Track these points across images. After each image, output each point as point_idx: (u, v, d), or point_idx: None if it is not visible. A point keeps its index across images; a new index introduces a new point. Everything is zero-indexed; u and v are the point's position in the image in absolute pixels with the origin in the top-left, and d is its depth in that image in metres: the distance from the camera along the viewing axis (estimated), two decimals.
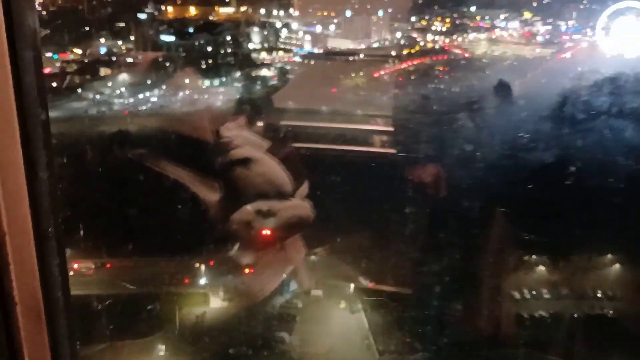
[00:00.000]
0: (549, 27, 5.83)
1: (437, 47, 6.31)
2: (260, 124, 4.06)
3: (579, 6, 7.78)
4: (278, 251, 3.90)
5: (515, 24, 5.92)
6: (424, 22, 6.67)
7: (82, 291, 4.35)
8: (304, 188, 3.83)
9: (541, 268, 5.28)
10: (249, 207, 3.68)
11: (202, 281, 4.38)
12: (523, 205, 4.14)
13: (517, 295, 5.06)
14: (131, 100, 5.46)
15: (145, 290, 4.02)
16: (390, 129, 5.14)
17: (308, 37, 7.36)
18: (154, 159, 3.53)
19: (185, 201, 3.56)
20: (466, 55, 6.02)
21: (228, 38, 6.18)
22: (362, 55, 6.74)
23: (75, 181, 3.77)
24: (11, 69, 1.06)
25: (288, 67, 6.75)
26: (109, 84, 5.82)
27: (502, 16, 5.95)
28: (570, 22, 6.46)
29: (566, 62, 5.62)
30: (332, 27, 8.17)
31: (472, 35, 6.22)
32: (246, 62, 6.22)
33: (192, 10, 8.54)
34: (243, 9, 8.09)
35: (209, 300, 4.32)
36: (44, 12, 7.65)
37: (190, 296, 4.48)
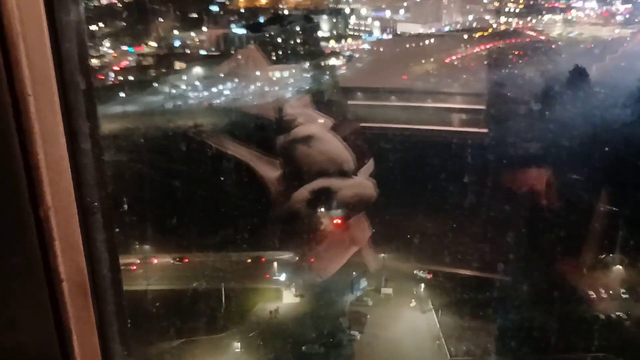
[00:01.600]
0: (628, 5, 5.50)
1: (510, 29, 6.09)
2: (326, 102, 4.07)
3: None
4: (342, 231, 3.90)
5: (592, 3, 5.62)
6: (497, 4, 6.45)
7: (159, 286, 4.53)
8: (369, 166, 3.80)
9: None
10: (309, 185, 3.69)
11: (275, 276, 4.48)
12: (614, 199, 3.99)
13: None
14: (205, 93, 5.62)
15: (220, 286, 4.15)
16: (464, 117, 5.08)
17: (377, 23, 7.30)
18: (216, 138, 3.63)
19: (248, 182, 3.63)
20: (541, 37, 5.79)
21: (297, 28, 6.23)
22: (432, 40, 6.62)
23: (150, 176, 3.93)
24: (50, 35, 1.03)
25: (357, 55, 6.75)
26: (184, 77, 6.01)
27: None
28: None
29: None
30: (401, 11, 8.02)
31: (547, 17, 5.95)
32: (315, 51, 6.27)
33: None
34: None
35: (282, 295, 4.41)
36: (119, 4, 7.92)
37: (263, 292, 4.57)
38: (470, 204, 4.48)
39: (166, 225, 3.97)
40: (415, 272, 4.57)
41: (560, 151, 4.00)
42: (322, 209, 3.88)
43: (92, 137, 1.09)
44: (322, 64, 7.05)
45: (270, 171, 3.48)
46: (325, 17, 7.85)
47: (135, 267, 5.28)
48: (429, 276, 5.02)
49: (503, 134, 4.48)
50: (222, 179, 3.71)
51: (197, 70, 6.95)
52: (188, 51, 7.92)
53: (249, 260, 4.99)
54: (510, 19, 6.50)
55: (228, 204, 3.87)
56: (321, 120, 3.69)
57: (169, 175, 4.01)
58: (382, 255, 4.63)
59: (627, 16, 5.95)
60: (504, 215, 4.16)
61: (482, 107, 4.91)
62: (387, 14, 8.32)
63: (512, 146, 4.40)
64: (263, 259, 5.63)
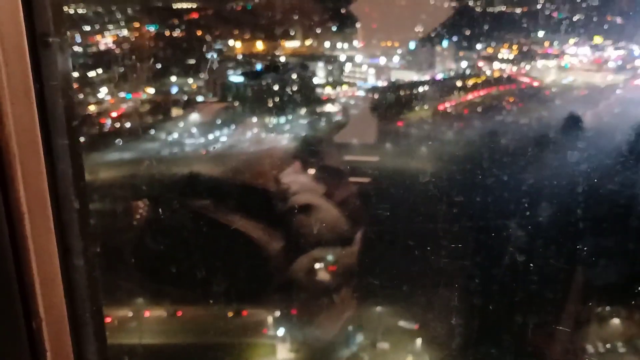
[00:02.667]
0: (621, 52, 5.58)
1: (504, 76, 6.17)
2: (318, 165, 4.11)
3: None
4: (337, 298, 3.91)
5: (585, 50, 5.70)
6: (490, 50, 6.54)
7: (152, 340, 4.45)
8: (359, 229, 3.81)
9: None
10: (309, 255, 3.71)
11: (269, 331, 4.40)
12: (600, 248, 3.98)
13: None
14: (201, 140, 5.64)
15: (216, 340, 4.07)
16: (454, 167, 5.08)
17: (372, 70, 7.39)
18: (220, 211, 3.62)
19: (250, 251, 3.64)
20: (535, 84, 5.85)
21: (294, 76, 6.31)
22: (426, 87, 6.69)
23: (144, 225, 3.90)
24: (45, 157, 1.12)
25: (352, 102, 6.81)
26: (180, 124, 6.05)
27: (571, 41, 5.74)
28: None
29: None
30: (395, 59, 8.11)
31: (540, 63, 6.03)
32: (311, 98, 6.32)
33: (259, 45, 8.76)
34: (308, 42, 8.23)
35: (276, 351, 4.32)
36: (117, 51, 8.04)
37: (256, 347, 4.49)
38: (466, 253, 4.44)
39: (161, 280, 3.90)
40: (400, 324, 4.40)
41: (553, 199, 4.00)
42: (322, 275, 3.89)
43: (85, 254, 1.21)
44: (318, 110, 7.12)
45: (272, 243, 3.49)
46: (321, 64, 7.95)
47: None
48: (415, 327, 4.87)
49: (495, 183, 4.49)
50: (221, 245, 3.70)
51: (194, 116, 7.00)
52: (185, 97, 8.02)
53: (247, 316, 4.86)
54: (503, 66, 6.59)
55: (224, 266, 3.83)
56: (314, 187, 3.73)
57: (164, 234, 3.98)
58: (379, 308, 4.53)
59: (619, 63, 6.03)
60: (493, 271, 4.12)
61: (477, 155, 4.92)
62: (382, 61, 8.45)
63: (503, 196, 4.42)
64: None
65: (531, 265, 3.94)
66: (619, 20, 6.60)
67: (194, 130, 6.06)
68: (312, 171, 3.80)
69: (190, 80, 7.51)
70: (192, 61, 8.66)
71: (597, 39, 7.17)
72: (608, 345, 4.53)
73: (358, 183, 4.60)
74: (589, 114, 4.76)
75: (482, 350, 4.16)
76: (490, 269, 3.72)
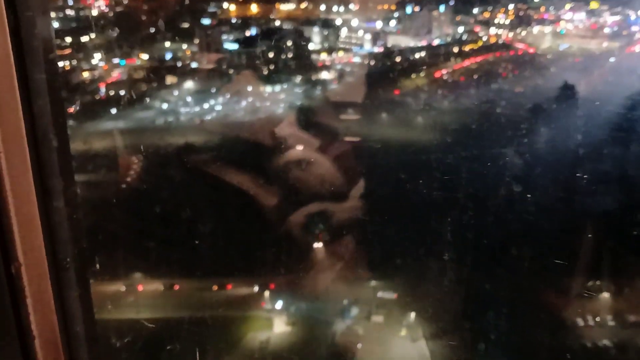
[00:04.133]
0: (617, 18, 5.52)
1: (500, 42, 6.11)
2: (313, 121, 4.10)
3: None
4: (331, 250, 3.95)
5: (581, 15, 5.64)
6: (486, 15, 6.45)
7: (148, 314, 4.49)
8: (358, 188, 3.84)
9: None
10: (304, 209, 3.73)
11: (266, 304, 4.45)
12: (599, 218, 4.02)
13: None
14: (196, 109, 5.61)
15: (212, 314, 4.12)
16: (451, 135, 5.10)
17: (368, 36, 7.29)
18: (215, 166, 3.62)
19: (247, 209, 3.66)
20: (530, 50, 5.80)
21: (289, 43, 6.23)
22: (423, 54, 6.63)
23: (139, 193, 3.92)
24: (21, 92, 1.05)
25: (348, 69, 6.74)
26: (175, 92, 6.00)
27: (567, 6, 5.67)
28: None
29: (636, 57, 5.32)
30: (392, 23, 7.96)
31: (536, 29, 5.97)
32: (306, 65, 6.27)
33: (254, 9, 8.63)
34: (303, 5, 8.09)
35: (273, 324, 4.38)
36: (111, 14, 7.91)
37: (253, 320, 4.55)
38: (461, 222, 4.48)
39: (156, 251, 3.93)
40: (379, 294, 4.40)
41: (547, 168, 4.04)
42: (316, 231, 3.92)
43: (66, 195, 1.15)
44: (314, 77, 7.05)
45: (268, 198, 3.50)
46: (316, 29, 7.81)
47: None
48: (395, 296, 4.87)
49: (492, 150, 4.52)
50: (216, 203, 3.72)
51: (189, 84, 6.94)
52: (179, 64, 7.93)
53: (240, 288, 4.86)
54: (500, 31, 6.52)
55: (222, 230, 3.86)
56: (310, 141, 3.73)
57: (160, 198, 3.99)
58: (372, 282, 4.58)
59: (615, 29, 5.94)
60: (490, 237, 4.17)
61: (472, 124, 4.91)
62: (378, 25, 8.30)
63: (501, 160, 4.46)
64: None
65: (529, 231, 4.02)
66: None
67: (189, 99, 6.03)
68: (307, 127, 3.81)
69: (184, 46, 7.43)
70: (185, 25, 8.54)
71: (594, 4, 7.06)
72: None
73: (352, 142, 4.62)
74: (583, 82, 4.76)
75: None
76: (488, 230, 3.79)
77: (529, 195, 4.04)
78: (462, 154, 4.61)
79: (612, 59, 5.47)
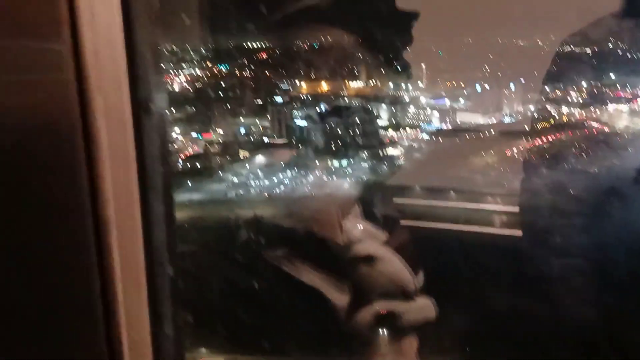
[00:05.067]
0: None
1: (573, 120, 5.98)
2: (378, 211, 4.09)
3: None
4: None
5: None
6: (558, 92, 6.39)
7: None
8: (419, 279, 3.72)
9: None
10: (373, 309, 3.65)
11: None
12: None
13: None
14: (266, 182, 5.77)
15: None
16: (522, 216, 4.94)
17: (436, 112, 7.34)
18: (288, 261, 3.62)
19: (318, 304, 3.63)
20: (606, 129, 5.65)
21: (357, 119, 6.37)
22: (493, 132, 6.59)
23: (208, 274, 3.98)
24: (143, 224, 1.17)
25: (416, 145, 6.78)
26: (247, 165, 6.21)
27: None
28: None
29: None
30: (461, 100, 7.98)
31: (611, 107, 5.82)
32: (374, 141, 6.36)
33: (324, 86, 8.92)
34: (372, 83, 8.29)
35: None
36: (191, 90, 8.37)
37: None
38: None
39: (222, 328, 3.96)
40: None
41: (617, 265, 3.79)
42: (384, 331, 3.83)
43: (174, 321, 1.26)
44: (381, 153, 7.11)
45: (339, 296, 3.47)
46: (384, 105, 7.95)
47: None
48: None
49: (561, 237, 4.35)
50: (287, 297, 3.71)
51: (260, 158, 7.17)
52: (252, 139, 8.22)
53: None
54: (573, 109, 6.39)
55: (289, 319, 3.83)
56: (376, 234, 3.70)
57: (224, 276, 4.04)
58: None
59: None
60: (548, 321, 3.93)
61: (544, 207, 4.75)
62: (447, 102, 8.36)
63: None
64: None
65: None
66: None
67: (259, 172, 6.22)
68: (374, 217, 3.80)
69: (257, 121, 7.73)
70: (259, 102, 8.91)
71: None
72: None
73: (421, 230, 4.52)
74: None
75: None
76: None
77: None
78: (535, 241, 4.45)
79: None
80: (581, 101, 7.14)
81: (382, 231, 3.73)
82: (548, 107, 7.62)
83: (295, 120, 7.99)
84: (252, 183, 6.91)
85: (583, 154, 5.90)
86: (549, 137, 6.85)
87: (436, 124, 8.03)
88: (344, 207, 3.80)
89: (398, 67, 7.87)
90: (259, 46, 10.31)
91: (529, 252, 4.17)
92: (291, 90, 10.30)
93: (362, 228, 3.64)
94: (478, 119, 8.00)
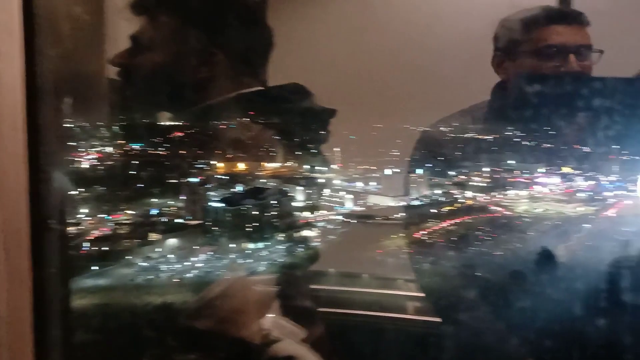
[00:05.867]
0: (591, 182, 5.72)
1: (476, 204, 6.26)
2: (295, 301, 4.04)
3: (620, 158, 7.57)
4: None
5: (556, 179, 5.85)
6: (463, 177, 6.70)
7: None
8: None
9: None
10: None
11: None
12: None
13: None
14: (178, 266, 5.58)
15: None
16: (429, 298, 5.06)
17: (349, 195, 7.53)
18: None
19: None
20: (507, 213, 5.96)
21: (273, 201, 6.39)
22: (402, 214, 6.76)
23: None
24: None
25: (330, 227, 6.85)
26: (158, 248, 6.00)
27: (540, 170, 5.90)
28: (613, 177, 6.25)
29: (611, 222, 5.47)
30: (372, 183, 8.24)
31: (512, 192, 6.17)
32: (289, 223, 6.37)
33: (241, 166, 8.95)
34: (288, 163, 8.42)
35: None
36: (101, 168, 8.13)
37: None
38: None
39: None
40: None
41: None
42: None
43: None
44: (295, 235, 7.12)
45: None
46: (299, 187, 8.05)
47: None
48: None
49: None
50: None
51: (172, 241, 6.95)
52: (165, 219, 7.99)
53: None
54: (476, 193, 6.71)
55: None
56: (294, 331, 3.63)
57: None
58: None
59: (590, 193, 6.13)
60: None
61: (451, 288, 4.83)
62: (359, 185, 8.59)
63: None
64: None
65: None
66: (586, 149, 6.84)
67: (171, 255, 6.01)
68: (291, 309, 3.74)
69: (171, 202, 7.56)
70: (172, 181, 8.77)
71: (566, 169, 7.38)
72: None
73: (338, 318, 4.49)
74: (562, 248, 4.86)
75: None
76: None
77: None
78: (443, 323, 4.54)
79: (587, 224, 5.60)
80: (484, 185, 7.55)
81: (301, 325, 3.67)
82: (452, 191, 7.98)
83: (211, 201, 7.89)
84: (163, 267, 6.64)
85: (486, 236, 6.18)
86: (454, 220, 7.14)
87: (349, 206, 8.21)
88: (261, 300, 3.73)
89: (314, 151, 8.08)
90: (174, 125, 10.27)
91: (443, 335, 4.25)
92: (207, 169, 10.24)
93: (280, 324, 3.57)
94: (388, 202, 8.25)
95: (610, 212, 5.65)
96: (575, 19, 3.72)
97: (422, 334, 4.95)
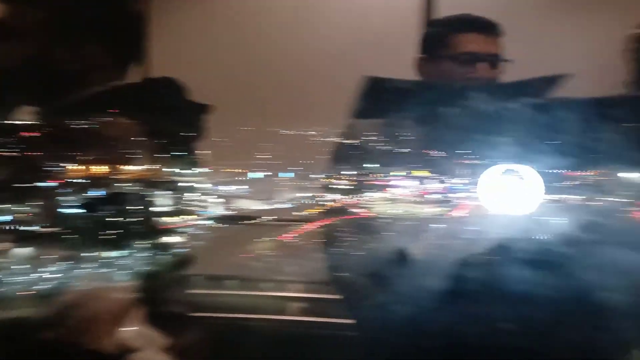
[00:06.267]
0: (443, 185, 6.15)
1: (340, 206, 6.48)
2: (160, 308, 3.95)
3: (466, 163, 8.20)
4: None
5: (411, 182, 6.22)
6: (329, 180, 6.89)
7: None
8: None
9: None
10: None
11: None
12: None
13: None
14: (28, 277, 5.21)
15: None
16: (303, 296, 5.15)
17: (215, 198, 7.43)
18: None
19: None
20: (368, 214, 6.24)
21: (134, 206, 6.18)
22: (269, 217, 6.82)
23: None
24: None
25: (196, 232, 6.72)
26: (7, 259, 5.55)
27: (395, 173, 6.26)
28: (461, 180, 6.77)
29: (457, 222, 5.92)
30: (239, 187, 8.23)
31: (372, 194, 6.45)
32: (152, 228, 6.17)
33: (101, 169, 8.54)
34: (151, 167, 8.16)
35: None
36: None
37: None
38: None
39: None
40: None
41: None
42: None
43: None
44: (158, 241, 6.87)
45: None
46: (162, 191, 7.77)
47: None
48: None
49: None
50: None
51: (22, 250, 6.45)
52: (18, 227, 7.40)
53: None
54: (341, 196, 6.94)
55: None
56: (156, 339, 3.53)
57: None
58: None
59: (441, 195, 6.58)
60: None
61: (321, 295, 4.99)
62: (227, 188, 8.52)
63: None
64: None
65: None
66: (438, 154, 7.32)
67: (20, 266, 5.58)
68: (156, 317, 3.65)
69: (21, 208, 7.04)
70: (24, 186, 8.15)
71: (417, 172, 7.85)
72: None
73: (210, 323, 4.42)
74: (414, 246, 5.17)
75: None
76: None
77: None
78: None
79: (437, 224, 5.99)
80: (347, 188, 7.79)
81: (165, 332, 3.58)
82: (317, 193, 8.14)
83: (66, 206, 7.38)
84: (10, 279, 6.11)
85: (349, 237, 6.42)
86: (318, 222, 7.33)
87: (217, 210, 8.12)
88: (117, 309, 3.60)
89: (181, 153, 7.89)
90: (27, 124, 9.56)
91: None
92: (62, 173, 9.61)
93: (141, 333, 3.46)
94: (256, 205, 8.27)
95: (456, 213, 6.10)
96: (488, 29, 4.01)
97: (289, 334, 5.03)
